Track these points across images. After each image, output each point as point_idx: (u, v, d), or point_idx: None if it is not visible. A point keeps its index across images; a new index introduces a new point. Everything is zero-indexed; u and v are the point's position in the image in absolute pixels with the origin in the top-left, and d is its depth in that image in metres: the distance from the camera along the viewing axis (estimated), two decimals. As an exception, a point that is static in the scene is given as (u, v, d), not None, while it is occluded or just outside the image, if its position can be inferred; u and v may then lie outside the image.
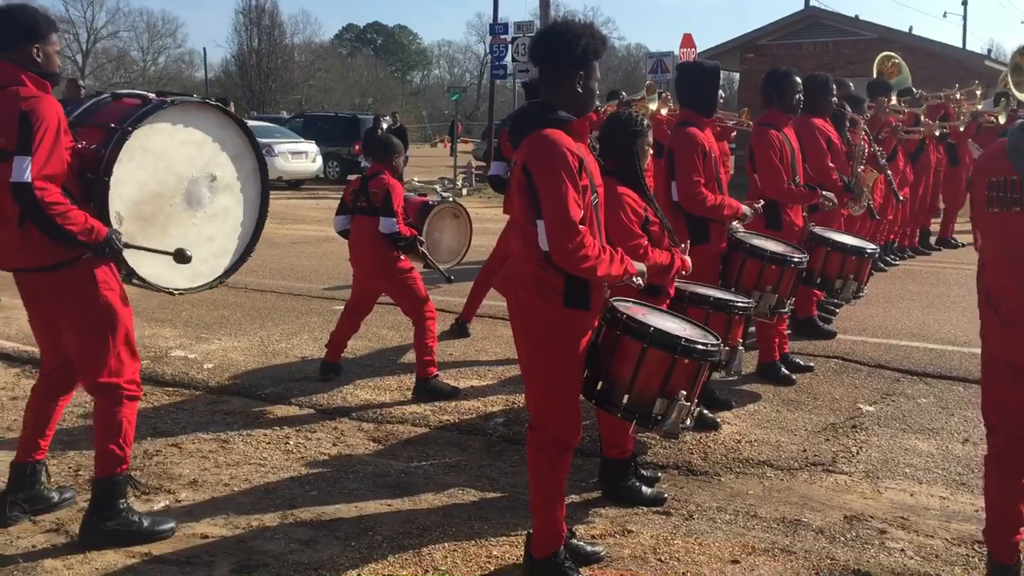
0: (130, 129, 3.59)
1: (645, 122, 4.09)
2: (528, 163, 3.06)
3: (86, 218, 3.31)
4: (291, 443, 4.77)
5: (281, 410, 5.32)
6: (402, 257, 5.58)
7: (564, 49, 3.14)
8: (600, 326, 3.31)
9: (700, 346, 3.32)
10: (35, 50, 3.39)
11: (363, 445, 4.78)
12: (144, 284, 3.79)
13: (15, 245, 3.35)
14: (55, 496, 3.87)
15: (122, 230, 3.55)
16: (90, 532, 3.53)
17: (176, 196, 3.87)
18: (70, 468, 4.36)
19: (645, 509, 3.97)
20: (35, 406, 3.82)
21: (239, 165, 4.15)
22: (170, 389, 5.65)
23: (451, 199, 6.54)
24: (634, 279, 3.33)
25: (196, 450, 4.62)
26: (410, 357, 6.39)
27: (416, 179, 23.28)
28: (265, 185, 4.28)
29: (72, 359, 3.61)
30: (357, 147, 24.20)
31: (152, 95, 3.98)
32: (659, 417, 3.26)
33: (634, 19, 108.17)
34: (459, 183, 23.14)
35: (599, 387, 3.28)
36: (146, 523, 3.58)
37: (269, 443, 4.76)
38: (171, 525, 3.64)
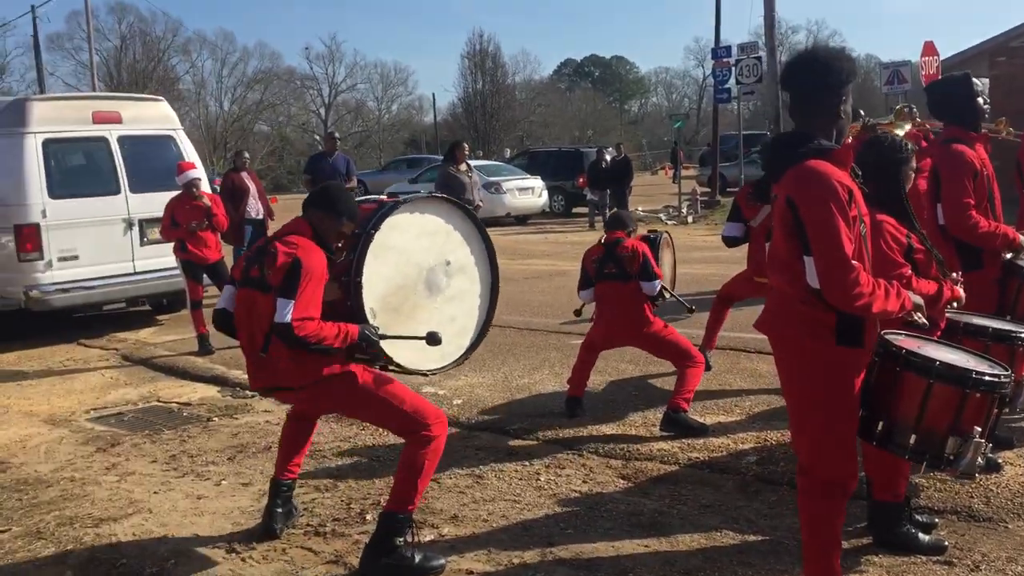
0: (372, 232, 4.02)
1: (911, 147, 3.87)
2: (794, 196, 2.96)
3: (338, 328, 3.71)
4: (542, 479, 4.84)
5: (529, 446, 5.42)
6: (655, 316, 5.65)
7: (828, 74, 3.05)
8: (873, 362, 3.12)
9: (990, 377, 3.06)
10: (326, 219, 3.88)
11: (613, 482, 4.77)
12: (401, 369, 4.17)
13: (274, 368, 3.79)
14: (294, 511, 4.34)
15: (376, 323, 3.89)
16: (368, 564, 3.74)
17: (418, 284, 4.23)
18: (341, 501, 4.64)
19: (924, 558, 3.68)
20: (289, 430, 4.31)
21: (469, 247, 4.46)
22: (424, 425, 5.90)
23: (662, 232, 6.51)
24: (915, 315, 3.14)
25: (453, 485, 4.79)
26: (652, 391, 6.35)
27: (640, 208, 23.25)
28: (494, 262, 4.56)
29: None
30: (581, 180, 24.52)
31: (385, 198, 4.43)
32: (951, 457, 3.03)
33: (862, 29, 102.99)
34: (684, 210, 22.87)
35: (879, 428, 3.09)
36: (418, 559, 3.74)
37: (521, 479, 4.86)
38: (442, 562, 3.78)
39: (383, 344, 3.92)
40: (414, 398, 3.89)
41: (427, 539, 4.12)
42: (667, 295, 5.91)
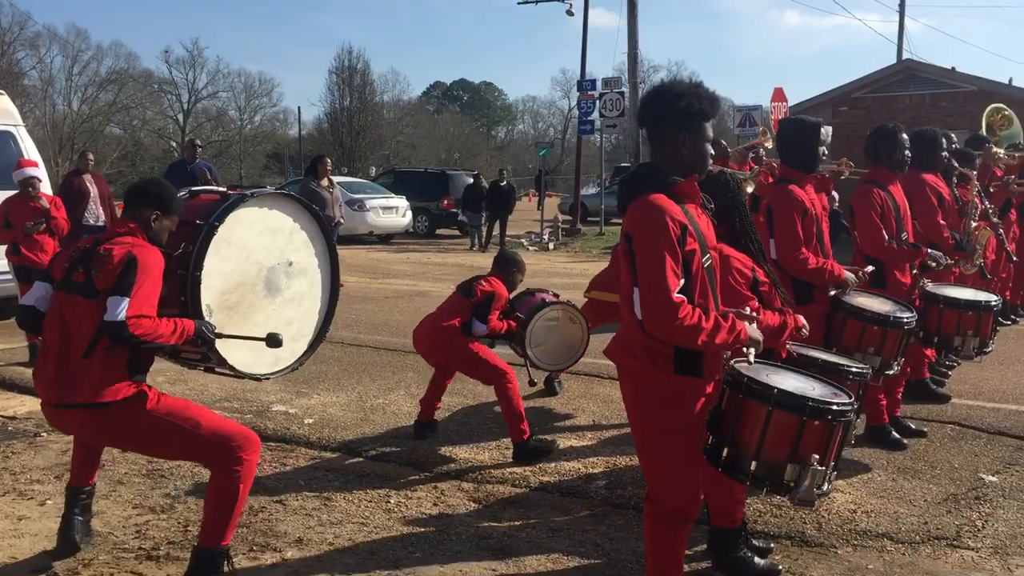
0: (216, 224, 3.84)
1: (741, 182, 4.05)
2: (629, 229, 3.04)
3: (174, 324, 3.52)
4: (392, 502, 4.75)
5: (381, 468, 5.32)
6: (466, 341, 5.52)
7: (665, 110, 3.12)
8: (723, 390, 3.20)
9: (824, 405, 3.13)
10: (154, 217, 3.71)
11: (463, 505, 4.73)
12: (232, 372, 3.97)
13: (77, 380, 3.49)
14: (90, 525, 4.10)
15: (212, 321, 3.71)
16: None
17: (257, 284, 4.07)
18: (178, 523, 4.41)
19: (759, 582, 3.82)
20: (80, 444, 4.02)
21: (312, 250, 4.33)
22: (272, 444, 5.71)
23: (568, 301, 6.33)
24: (747, 349, 3.18)
25: (300, 507, 4.64)
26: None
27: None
28: (335, 267, 4.45)
29: None
30: (446, 202, 24.57)
31: (224, 188, 4.28)
32: (791, 484, 3.10)
33: (720, 73, 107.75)
34: (546, 237, 23.22)
35: (725, 454, 3.16)
36: None
37: (371, 502, 4.76)
38: None
39: (218, 344, 3.74)
40: (214, 420, 3.63)
41: (269, 563, 3.97)
42: (525, 355, 5.85)
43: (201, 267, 3.74)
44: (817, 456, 3.09)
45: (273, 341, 3.80)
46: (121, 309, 3.35)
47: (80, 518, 3.97)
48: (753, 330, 3.21)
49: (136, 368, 3.53)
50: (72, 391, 3.49)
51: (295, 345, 4.26)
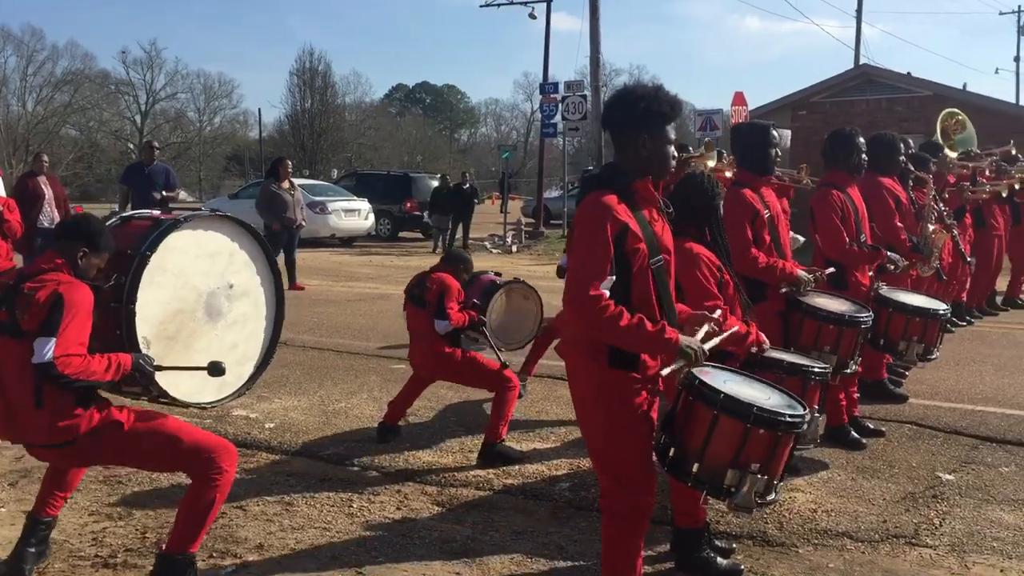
0: (148, 254, 3.70)
1: (719, 186, 4.10)
2: (574, 221, 3.17)
3: (108, 360, 3.38)
4: (355, 506, 4.71)
5: (343, 472, 5.28)
6: (456, 350, 5.53)
7: (627, 113, 3.16)
8: (680, 391, 3.22)
9: (775, 416, 3.11)
10: (82, 254, 3.55)
11: (427, 509, 4.71)
12: (175, 403, 3.85)
13: (30, 423, 3.40)
14: (47, 552, 3.95)
15: (151, 353, 3.62)
16: None
17: (197, 310, 3.93)
18: (135, 530, 4.35)
19: (721, 582, 3.84)
20: (54, 468, 3.88)
21: (253, 270, 4.22)
22: (233, 449, 5.63)
23: (519, 280, 6.39)
24: (675, 360, 3.07)
25: (261, 512, 4.59)
26: (471, 417, 6.35)
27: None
28: (279, 286, 4.36)
29: None
30: (408, 205, 24.50)
31: (158, 212, 4.14)
32: (732, 489, 3.09)
33: (681, 77, 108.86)
34: (509, 240, 23.22)
35: (672, 453, 3.18)
36: None
37: (333, 506, 4.72)
38: None
39: (159, 377, 3.62)
40: (193, 434, 3.59)
41: (229, 569, 3.92)
42: (489, 342, 5.85)
43: (135, 300, 3.59)
44: (757, 465, 3.08)
45: (215, 370, 3.69)
46: (48, 349, 3.22)
47: (33, 550, 3.81)
48: (689, 341, 3.09)
49: (85, 399, 3.42)
50: (28, 433, 3.43)
51: (241, 369, 4.15)
